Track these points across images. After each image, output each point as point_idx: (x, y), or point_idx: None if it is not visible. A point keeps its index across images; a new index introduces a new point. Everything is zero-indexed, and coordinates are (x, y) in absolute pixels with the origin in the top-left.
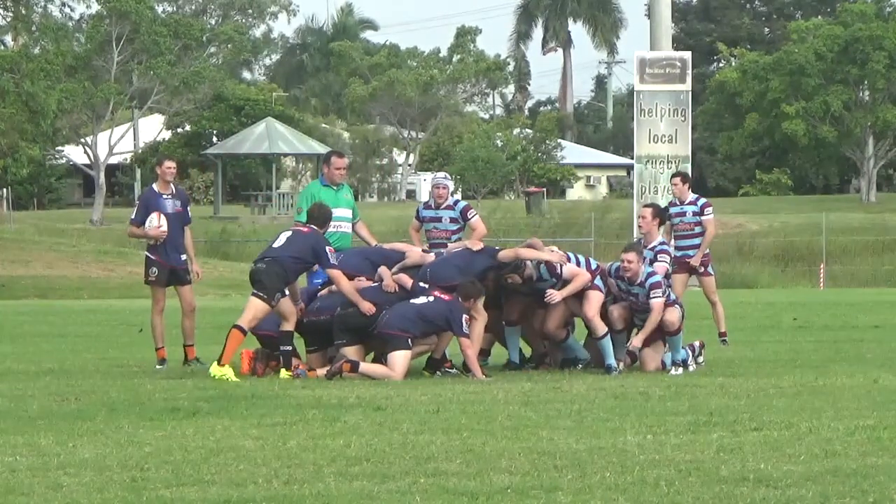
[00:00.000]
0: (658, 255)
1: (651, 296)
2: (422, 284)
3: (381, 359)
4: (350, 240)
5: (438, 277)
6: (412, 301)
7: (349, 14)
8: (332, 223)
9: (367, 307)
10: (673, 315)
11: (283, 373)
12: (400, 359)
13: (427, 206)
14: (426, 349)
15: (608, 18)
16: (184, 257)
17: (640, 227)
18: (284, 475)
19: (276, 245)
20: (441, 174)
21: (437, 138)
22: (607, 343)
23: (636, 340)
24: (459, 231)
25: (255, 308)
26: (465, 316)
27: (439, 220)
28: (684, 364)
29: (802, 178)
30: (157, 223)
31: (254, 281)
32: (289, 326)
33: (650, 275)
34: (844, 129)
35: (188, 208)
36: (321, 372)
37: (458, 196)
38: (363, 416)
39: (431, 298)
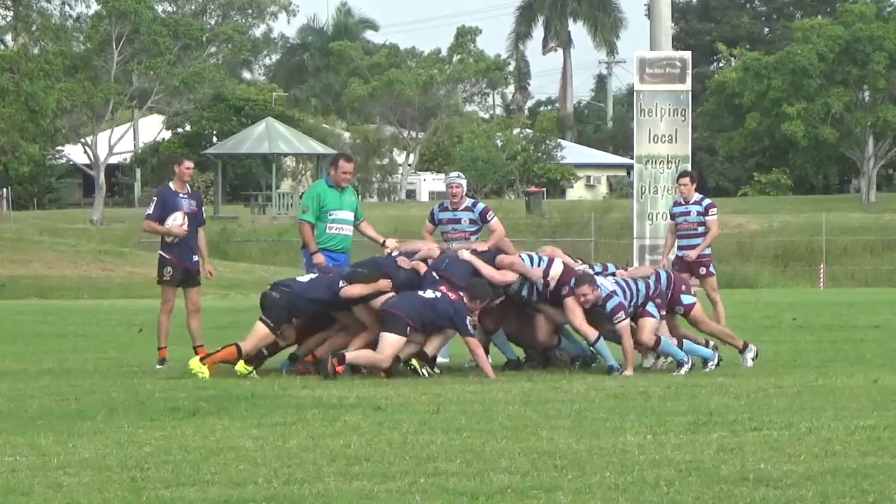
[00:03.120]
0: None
1: (614, 320)
2: (434, 274)
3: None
4: (351, 242)
5: (453, 272)
6: (420, 293)
7: (347, 14)
8: (334, 225)
9: (384, 283)
10: (645, 332)
11: (241, 365)
12: (391, 341)
13: (443, 207)
14: (415, 350)
15: (608, 18)
16: (196, 258)
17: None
18: (284, 475)
19: (299, 279)
20: (454, 173)
21: (437, 138)
22: (602, 347)
23: (627, 370)
24: (477, 233)
25: (259, 336)
26: (469, 318)
27: (458, 221)
28: (704, 363)
29: (802, 178)
30: (180, 221)
31: (263, 306)
32: (282, 342)
33: (608, 297)
34: (844, 130)
35: (202, 209)
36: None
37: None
38: (363, 416)
39: (439, 294)
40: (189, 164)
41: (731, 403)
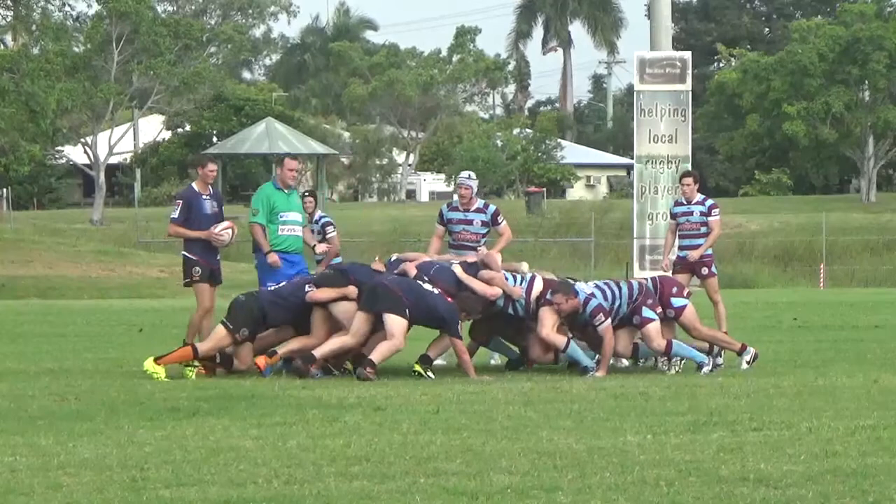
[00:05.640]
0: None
1: (595, 322)
2: (425, 277)
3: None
4: (302, 242)
5: (441, 278)
6: (419, 282)
7: (346, 14)
8: (285, 227)
9: (352, 289)
10: (653, 338)
11: (150, 363)
12: (398, 323)
13: (453, 207)
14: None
15: (608, 18)
16: (219, 257)
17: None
18: (284, 475)
19: (269, 287)
20: (465, 173)
21: (437, 138)
22: (573, 351)
23: (600, 371)
24: (487, 235)
25: (217, 339)
26: (459, 322)
27: (470, 222)
28: (700, 367)
29: (802, 178)
30: (226, 236)
31: (228, 309)
32: (238, 364)
33: (586, 301)
34: (844, 130)
35: (222, 209)
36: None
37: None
38: (363, 416)
39: (436, 291)
40: (213, 165)
41: (731, 403)
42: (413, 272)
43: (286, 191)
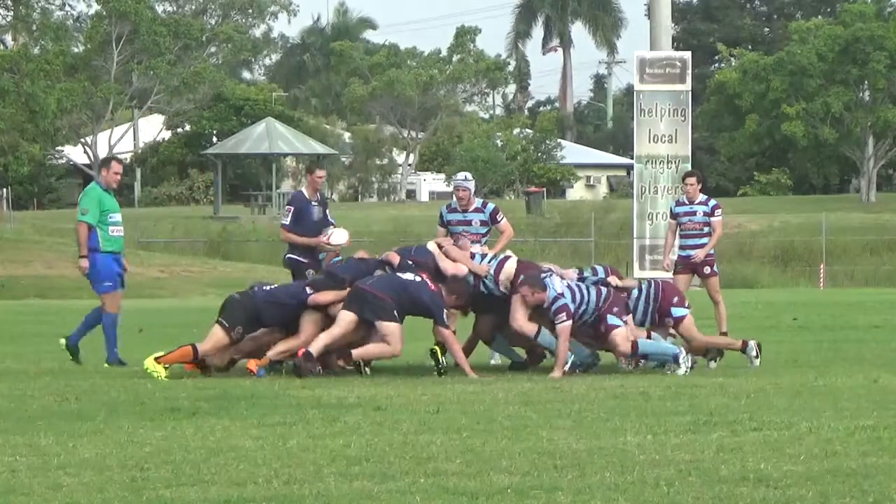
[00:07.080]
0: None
1: (556, 321)
2: (409, 261)
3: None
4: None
5: (422, 256)
6: (399, 274)
7: (344, 14)
8: (115, 228)
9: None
10: (619, 343)
11: (150, 361)
12: (395, 330)
13: (452, 209)
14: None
15: (608, 18)
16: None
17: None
18: (284, 475)
19: (265, 286)
20: (462, 175)
21: (437, 138)
22: (545, 339)
23: (555, 373)
24: (487, 234)
25: (215, 339)
26: (445, 310)
27: (469, 223)
28: (693, 365)
29: (802, 178)
30: (342, 241)
31: (222, 307)
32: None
33: (555, 299)
34: (844, 130)
35: (328, 214)
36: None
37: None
38: (363, 416)
39: (419, 279)
40: (321, 172)
41: (731, 403)
42: (396, 259)
43: (110, 191)
